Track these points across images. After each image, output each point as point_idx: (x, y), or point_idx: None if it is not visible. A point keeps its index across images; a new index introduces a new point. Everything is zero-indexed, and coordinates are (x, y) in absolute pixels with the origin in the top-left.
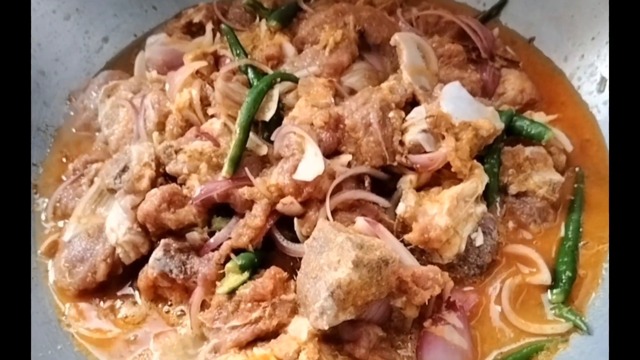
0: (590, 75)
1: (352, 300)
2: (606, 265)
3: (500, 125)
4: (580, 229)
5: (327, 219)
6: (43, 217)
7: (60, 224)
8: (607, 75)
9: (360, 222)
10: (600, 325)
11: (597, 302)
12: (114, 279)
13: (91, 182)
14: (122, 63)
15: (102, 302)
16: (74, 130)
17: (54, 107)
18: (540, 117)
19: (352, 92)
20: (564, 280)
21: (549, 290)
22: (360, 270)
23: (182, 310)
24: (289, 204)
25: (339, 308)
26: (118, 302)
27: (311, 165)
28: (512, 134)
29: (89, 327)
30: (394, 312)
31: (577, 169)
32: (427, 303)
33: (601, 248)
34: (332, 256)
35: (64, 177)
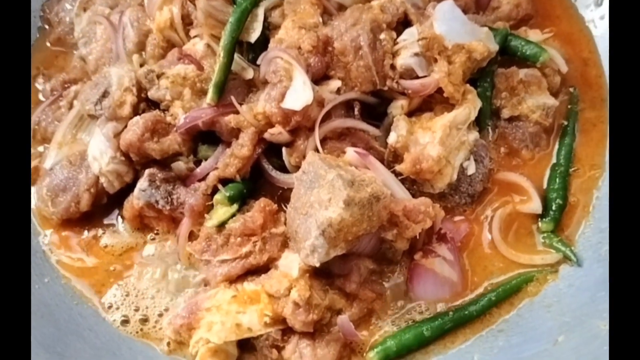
0: None
1: (343, 236)
2: (597, 193)
3: (494, 48)
4: (572, 154)
5: (317, 148)
6: None
7: (40, 148)
8: None
9: (351, 153)
10: (590, 257)
11: (587, 232)
12: (99, 208)
13: (70, 105)
14: None
15: (86, 231)
16: (48, 44)
17: None
18: (535, 35)
19: (341, 7)
20: (554, 209)
21: (539, 219)
22: (351, 209)
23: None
24: (277, 134)
25: (330, 245)
26: (100, 231)
27: (299, 94)
28: (506, 54)
29: (70, 255)
30: (385, 244)
31: (571, 89)
32: (417, 236)
33: (592, 174)
34: (322, 194)
35: (41, 97)
